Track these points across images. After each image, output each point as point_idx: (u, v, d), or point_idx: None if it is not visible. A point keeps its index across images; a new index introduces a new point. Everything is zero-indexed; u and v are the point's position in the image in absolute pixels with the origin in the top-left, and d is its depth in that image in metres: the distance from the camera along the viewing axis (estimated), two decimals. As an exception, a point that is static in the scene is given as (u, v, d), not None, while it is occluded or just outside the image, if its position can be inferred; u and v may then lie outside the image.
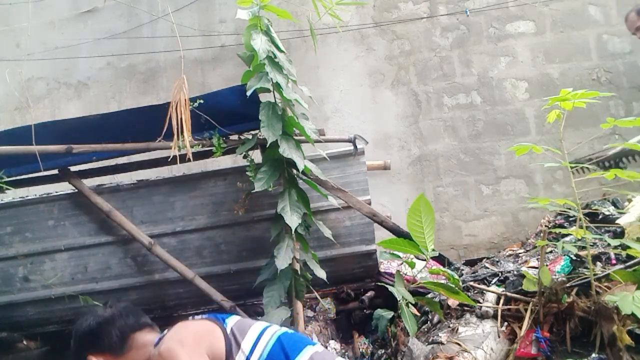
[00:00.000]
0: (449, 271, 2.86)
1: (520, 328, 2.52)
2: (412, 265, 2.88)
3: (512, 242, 4.24)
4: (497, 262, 3.33)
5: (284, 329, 1.52)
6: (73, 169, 3.33)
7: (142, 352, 1.48)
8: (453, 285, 2.67)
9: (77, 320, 1.57)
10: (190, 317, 1.50)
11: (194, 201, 3.26)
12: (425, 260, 3.01)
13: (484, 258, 3.68)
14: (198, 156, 3.17)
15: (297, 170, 2.80)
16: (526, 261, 3.12)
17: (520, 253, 3.43)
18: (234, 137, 3.17)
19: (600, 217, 3.13)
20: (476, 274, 3.12)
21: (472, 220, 4.46)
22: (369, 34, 4.76)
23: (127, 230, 3.16)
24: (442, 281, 2.83)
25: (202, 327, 1.41)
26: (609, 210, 3.19)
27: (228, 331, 1.40)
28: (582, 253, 2.67)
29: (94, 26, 5.15)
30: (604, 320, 2.30)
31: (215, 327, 1.41)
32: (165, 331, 1.43)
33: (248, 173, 2.93)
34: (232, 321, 1.46)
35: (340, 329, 3.48)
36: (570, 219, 3.30)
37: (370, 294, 3.44)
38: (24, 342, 3.63)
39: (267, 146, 2.77)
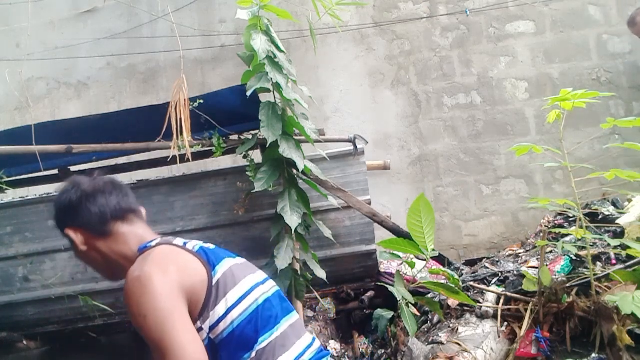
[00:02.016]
0: (449, 271, 2.86)
1: (520, 328, 2.52)
2: (412, 265, 2.88)
3: (512, 242, 4.24)
4: (497, 262, 3.33)
5: (272, 292, 1.40)
6: (73, 169, 3.33)
7: (122, 245, 1.38)
8: (453, 285, 2.67)
9: (61, 191, 1.45)
10: (182, 243, 1.35)
11: (194, 201, 3.26)
12: (425, 260, 3.01)
13: (484, 258, 3.68)
14: (198, 156, 3.17)
15: (297, 170, 2.80)
16: (526, 261, 3.12)
17: (520, 253, 3.43)
18: (234, 137, 3.17)
19: (600, 217, 3.13)
20: (476, 274, 3.12)
21: (472, 220, 4.46)
22: (369, 34, 4.76)
23: (127, 230, 3.15)
24: (442, 281, 2.83)
25: (191, 265, 1.27)
26: (609, 210, 3.20)
27: (214, 281, 1.27)
28: (582, 253, 2.67)
29: (94, 26, 5.15)
30: (604, 320, 2.30)
31: (203, 272, 1.27)
32: (153, 241, 1.35)
33: (248, 173, 2.93)
34: (223, 268, 1.31)
35: (340, 329, 3.48)
36: (570, 219, 3.30)
37: (370, 294, 3.44)
38: (24, 342, 3.63)
39: (267, 146, 2.77)
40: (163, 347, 1.13)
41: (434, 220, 2.80)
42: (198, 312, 1.23)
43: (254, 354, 1.25)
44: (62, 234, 1.42)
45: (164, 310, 1.15)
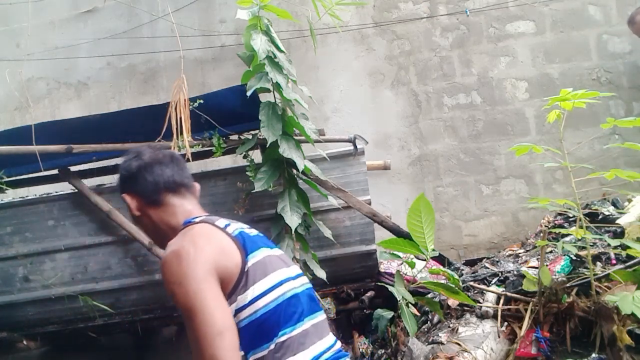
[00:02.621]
0: (449, 271, 2.86)
1: (520, 328, 2.52)
2: (412, 265, 2.88)
3: (512, 242, 4.24)
4: (497, 262, 3.33)
5: (302, 289, 1.41)
6: (73, 169, 3.33)
7: (170, 216, 1.45)
8: (453, 285, 2.67)
9: (125, 158, 1.54)
10: (224, 224, 1.38)
11: (194, 201, 3.25)
12: (425, 260, 3.01)
13: (484, 258, 3.68)
14: (198, 156, 3.17)
15: (297, 170, 2.80)
16: (526, 261, 3.12)
17: (520, 253, 3.43)
18: (234, 137, 3.18)
19: (600, 217, 3.13)
20: (476, 274, 3.12)
21: (472, 220, 4.46)
22: (369, 34, 4.76)
23: (127, 230, 3.16)
24: (442, 281, 2.83)
25: (226, 248, 1.30)
26: (609, 210, 3.19)
27: (246, 267, 1.30)
28: (582, 253, 2.67)
29: (94, 26, 5.15)
30: (604, 320, 2.30)
31: (237, 256, 1.30)
32: (197, 218, 1.40)
33: (248, 173, 2.93)
34: (257, 257, 1.34)
35: (340, 329, 3.48)
36: (570, 219, 3.30)
37: (370, 294, 3.44)
38: (24, 342, 3.63)
39: (267, 146, 2.77)
40: (194, 312, 1.17)
41: (434, 220, 2.80)
42: (227, 294, 1.27)
43: (272, 345, 1.27)
44: (121, 198, 1.51)
45: (197, 278, 1.20)
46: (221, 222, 1.40)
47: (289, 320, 1.32)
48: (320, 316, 1.43)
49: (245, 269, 1.29)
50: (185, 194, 1.50)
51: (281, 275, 1.37)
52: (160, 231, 1.47)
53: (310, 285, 1.49)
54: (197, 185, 1.57)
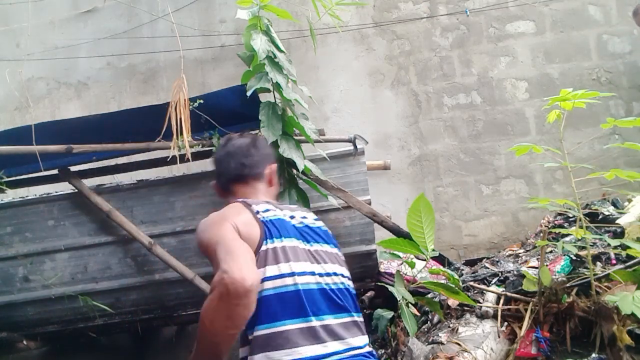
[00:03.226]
0: (449, 271, 2.85)
1: (520, 328, 2.52)
2: (412, 266, 2.87)
3: (512, 242, 4.24)
4: (497, 262, 3.32)
5: (328, 286, 1.43)
6: (73, 169, 3.33)
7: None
8: (453, 285, 2.67)
9: (219, 145, 1.74)
10: (259, 209, 1.48)
11: (194, 201, 3.26)
12: (425, 260, 3.01)
13: (484, 258, 3.67)
14: (198, 156, 3.17)
15: (297, 170, 2.80)
16: (526, 261, 3.12)
17: (520, 253, 3.43)
18: (234, 137, 3.17)
19: (600, 217, 3.13)
20: (476, 274, 3.12)
21: (472, 220, 4.46)
22: (369, 34, 4.76)
23: (127, 230, 3.16)
24: (442, 281, 2.83)
25: (251, 228, 1.41)
26: (609, 210, 3.19)
27: (262, 249, 1.39)
28: (582, 253, 2.67)
29: (94, 26, 5.15)
30: (604, 320, 2.30)
31: (257, 237, 1.40)
32: (240, 199, 1.54)
33: (248, 173, 2.92)
34: (279, 244, 1.41)
35: (340, 329, 3.47)
36: (570, 219, 3.30)
37: (370, 294, 3.43)
38: (24, 342, 3.63)
39: (267, 146, 2.77)
40: (212, 246, 1.30)
41: (434, 221, 2.79)
42: None
43: (273, 330, 1.32)
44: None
45: (220, 226, 1.36)
46: (260, 206, 1.50)
47: (294, 312, 1.34)
48: (344, 318, 1.42)
49: (261, 250, 1.38)
50: (253, 183, 1.65)
51: (299, 267, 1.40)
52: None
53: (344, 286, 1.48)
54: (270, 169, 1.69)
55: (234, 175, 1.65)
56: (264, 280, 1.34)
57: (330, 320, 1.38)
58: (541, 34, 4.53)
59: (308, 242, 1.50)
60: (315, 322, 1.35)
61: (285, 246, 1.41)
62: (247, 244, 1.33)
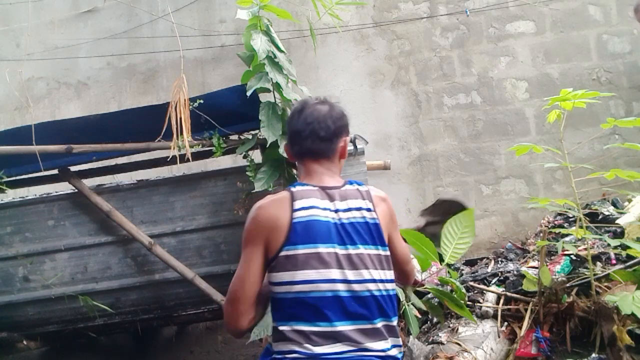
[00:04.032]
0: (457, 283, 2.79)
1: (520, 328, 2.52)
2: (426, 265, 2.76)
3: (512, 242, 4.23)
4: (497, 262, 3.32)
5: (352, 294, 1.43)
6: (73, 169, 3.33)
7: (300, 176, 1.67)
8: (458, 299, 2.60)
9: (294, 107, 1.72)
10: (301, 206, 1.50)
11: (194, 201, 3.26)
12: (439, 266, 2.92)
13: (484, 258, 3.67)
14: (198, 156, 3.17)
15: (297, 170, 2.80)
16: (526, 261, 3.12)
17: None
18: (234, 137, 3.17)
19: (600, 217, 3.13)
20: (476, 274, 3.12)
21: (472, 220, 4.45)
22: (369, 34, 4.76)
23: (127, 230, 3.15)
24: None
25: (277, 230, 1.47)
26: (609, 210, 3.20)
27: (282, 253, 1.45)
28: (582, 253, 2.67)
29: (94, 26, 5.15)
30: (604, 320, 2.30)
31: (280, 242, 1.47)
32: (292, 187, 1.56)
33: (248, 173, 2.93)
34: (301, 250, 1.44)
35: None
36: (570, 219, 3.30)
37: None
38: (24, 342, 3.63)
39: (267, 146, 2.77)
40: (236, 275, 1.53)
41: (469, 242, 2.63)
42: (269, 259, 1.50)
43: (286, 329, 1.42)
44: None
45: (250, 253, 1.51)
46: (305, 201, 1.49)
47: (307, 316, 1.41)
48: (364, 324, 1.42)
49: (281, 254, 1.45)
50: (321, 159, 1.63)
51: (316, 275, 1.42)
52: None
53: (370, 292, 1.46)
54: (344, 141, 1.67)
55: (306, 149, 1.63)
56: (278, 284, 1.45)
57: (339, 327, 1.40)
58: (541, 34, 4.53)
59: (344, 244, 1.46)
60: (327, 328, 1.40)
61: (308, 252, 1.43)
62: (272, 248, 1.47)
